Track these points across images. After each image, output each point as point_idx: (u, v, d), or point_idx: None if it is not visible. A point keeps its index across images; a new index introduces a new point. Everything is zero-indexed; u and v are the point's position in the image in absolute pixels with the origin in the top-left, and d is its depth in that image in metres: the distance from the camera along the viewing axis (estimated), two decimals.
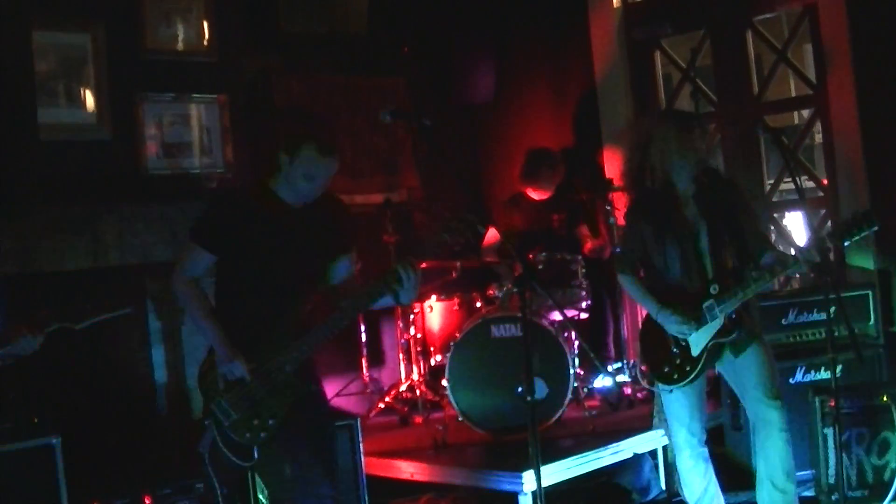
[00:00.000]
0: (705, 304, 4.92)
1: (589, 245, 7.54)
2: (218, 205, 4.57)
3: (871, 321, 6.48)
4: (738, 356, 5.03)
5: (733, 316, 4.94)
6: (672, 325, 4.99)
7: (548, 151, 7.81)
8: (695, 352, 4.99)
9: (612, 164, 7.97)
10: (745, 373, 5.06)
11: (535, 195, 7.71)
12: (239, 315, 4.44)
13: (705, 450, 5.22)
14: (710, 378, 5.36)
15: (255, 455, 4.38)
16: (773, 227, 7.57)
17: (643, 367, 5.18)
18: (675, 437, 5.22)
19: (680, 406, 5.15)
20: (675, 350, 5.04)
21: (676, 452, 5.27)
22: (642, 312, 7.54)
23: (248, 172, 7.06)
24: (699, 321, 4.94)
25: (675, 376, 5.05)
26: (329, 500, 4.43)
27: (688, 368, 5.01)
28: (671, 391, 5.11)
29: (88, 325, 4.14)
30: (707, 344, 4.97)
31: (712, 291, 4.92)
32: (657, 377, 5.17)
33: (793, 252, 4.91)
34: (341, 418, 5.96)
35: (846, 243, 4.85)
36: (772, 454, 5.02)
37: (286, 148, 4.36)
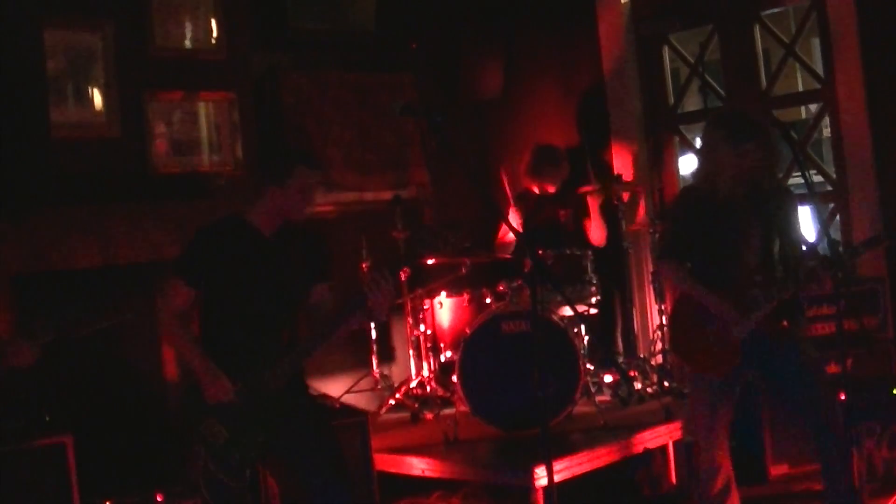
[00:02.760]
0: (749, 294, 4.86)
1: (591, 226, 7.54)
2: (198, 240, 4.73)
3: (881, 314, 6.47)
4: (777, 348, 4.94)
5: (776, 309, 4.87)
6: (722, 309, 4.92)
7: (551, 148, 7.80)
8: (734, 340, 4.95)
9: (620, 160, 7.99)
10: (791, 375, 4.95)
11: (538, 190, 7.70)
12: (222, 343, 4.59)
13: (727, 451, 5.15)
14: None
15: (248, 475, 4.49)
16: None
17: (673, 356, 5.15)
18: (698, 436, 5.18)
19: (707, 401, 5.06)
20: (710, 336, 4.96)
21: (697, 451, 5.20)
22: (652, 308, 7.64)
23: (256, 169, 7.08)
24: (745, 309, 4.88)
25: (709, 363, 4.99)
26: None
27: (724, 357, 4.95)
28: (701, 379, 5.06)
29: (89, 333, 4.18)
30: (747, 334, 4.89)
31: (757, 281, 4.88)
32: (688, 364, 5.11)
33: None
34: (352, 415, 5.98)
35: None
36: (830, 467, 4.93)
37: (279, 175, 4.66)
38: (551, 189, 7.69)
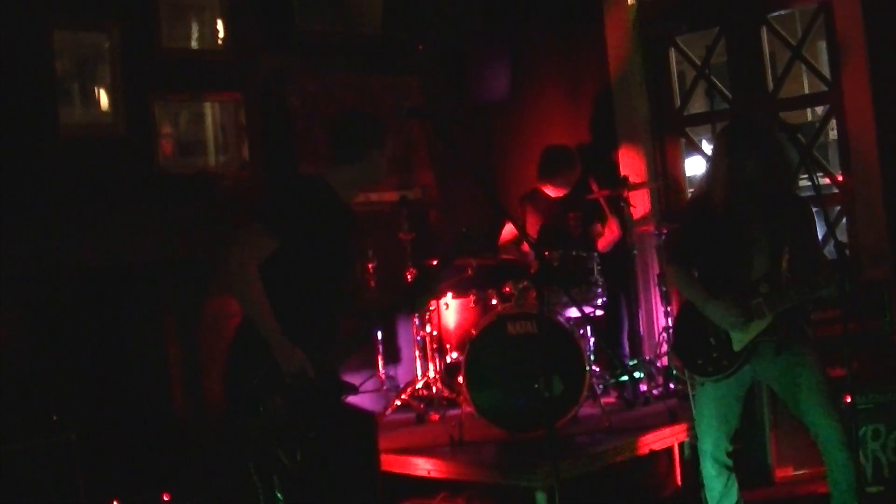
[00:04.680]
0: (753, 302, 4.87)
1: (603, 237, 7.53)
2: (287, 192, 4.46)
3: (886, 317, 6.46)
4: (779, 355, 4.94)
5: (782, 316, 4.88)
6: (721, 315, 4.92)
7: (566, 150, 7.78)
8: (736, 347, 4.92)
9: (627, 162, 7.98)
10: (794, 381, 4.96)
11: (551, 192, 7.71)
12: (293, 314, 4.27)
13: (731, 454, 5.15)
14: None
15: (298, 457, 4.30)
16: None
17: (676, 360, 5.15)
18: (702, 442, 5.17)
19: (711, 406, 5.07)
20: (712, 342, 4.98)
21: (701, 456, 5.20)
22: (657, 310, 7.65)
23: (262, 171, 7.09)
24: (748, 317, 4.88)
25: (710, 369, 4.99)
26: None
27: (725, 363, 4.95)
28: (703, 385, 5.07)
29: None
30: (750, 341, 4.90)
31: (762, 290, 4.88)
32: (690, 369, 5.11)
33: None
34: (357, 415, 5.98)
35: None
36: (836, 475, 4.91)
37: (379, 138, 4.59)
38: (564, 191, 7.68)
